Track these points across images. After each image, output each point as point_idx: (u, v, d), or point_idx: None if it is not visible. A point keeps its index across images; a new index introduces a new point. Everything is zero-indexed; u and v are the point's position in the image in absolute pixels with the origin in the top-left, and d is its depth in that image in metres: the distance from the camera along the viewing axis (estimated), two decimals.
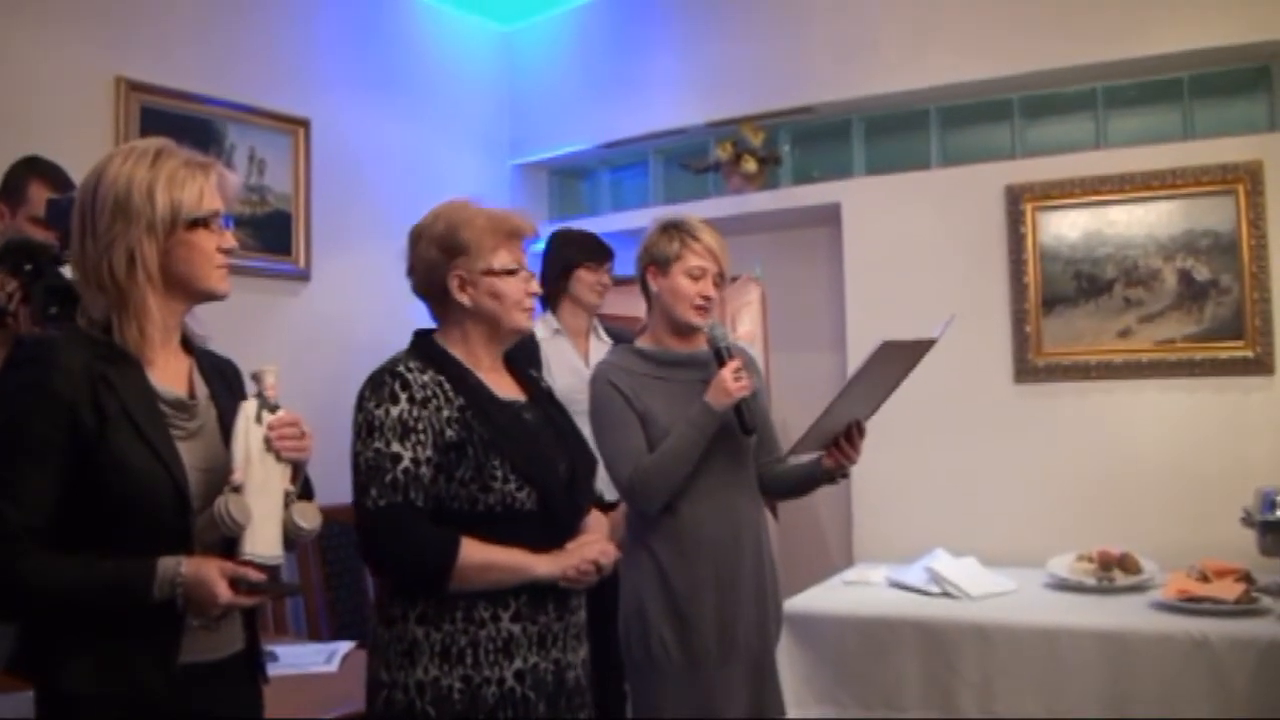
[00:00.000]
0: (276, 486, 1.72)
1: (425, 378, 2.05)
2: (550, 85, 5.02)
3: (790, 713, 3.06)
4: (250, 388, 1.79)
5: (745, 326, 4.20)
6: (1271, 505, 2.90)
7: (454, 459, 2.00)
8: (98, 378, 1.63)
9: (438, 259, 2.13)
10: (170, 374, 1.76)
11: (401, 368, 2.05)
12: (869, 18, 4.18)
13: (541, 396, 2.26)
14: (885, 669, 3.02)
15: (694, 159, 4.67)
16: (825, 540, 4.28)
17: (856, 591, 3.42)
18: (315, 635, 3.78)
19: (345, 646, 2.93)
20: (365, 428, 2.01)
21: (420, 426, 2.00)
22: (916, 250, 4.03)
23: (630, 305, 3.94)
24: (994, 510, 3.80)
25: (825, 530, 4.28)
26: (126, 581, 1.58)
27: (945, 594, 3.21)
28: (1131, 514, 3.55)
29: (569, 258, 3.65)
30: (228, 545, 1.66)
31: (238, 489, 1.65)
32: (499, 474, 2.01)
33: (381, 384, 2.03)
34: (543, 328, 3.60)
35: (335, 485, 3.69)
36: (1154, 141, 3.78)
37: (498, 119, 5.09)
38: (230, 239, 1.79)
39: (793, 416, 4.26)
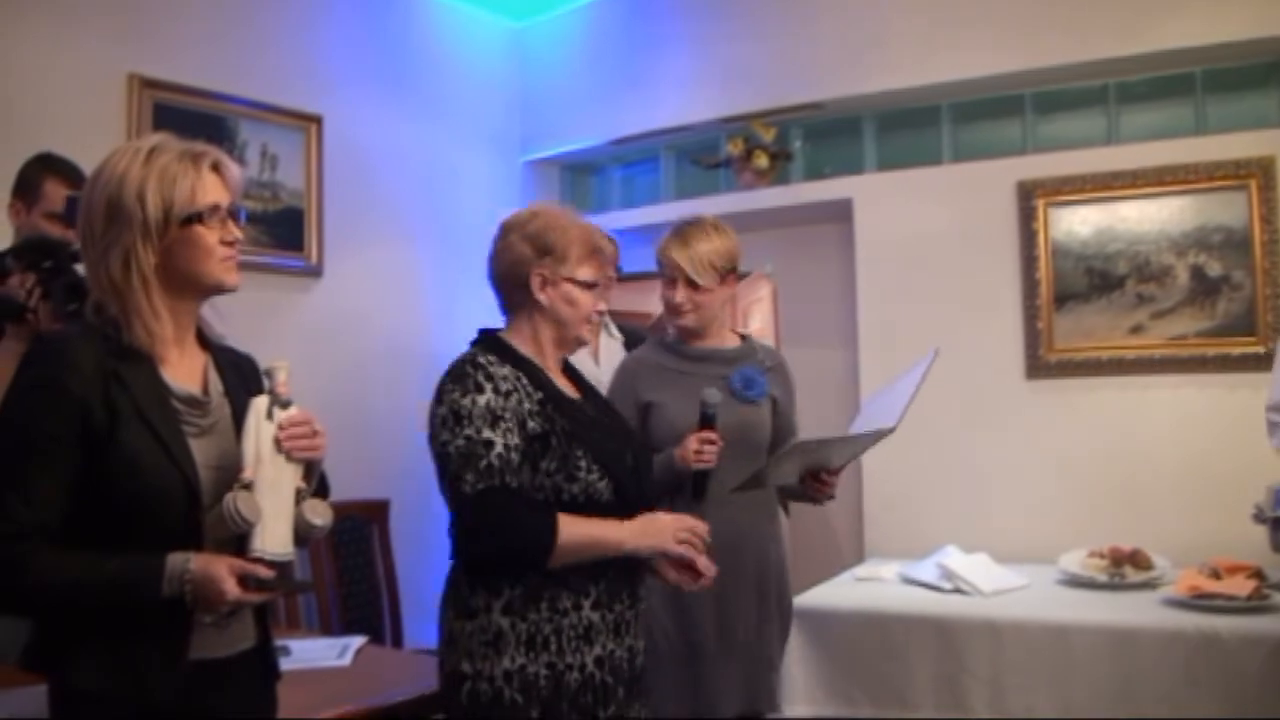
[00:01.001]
0: (287, 484, 1.72)
1: (504, 370, 2.11)
2: (561, 81, 5.03)
3: (801, 709, 3.07)
4: (263, 384, 1.79)
5: (756, 322, 4.20)
6: None
7: (538, 449, 2.05)
8: (110, 375, 1.63)
9: (527, 254, 2.19)
10: (184, 370, 1.75)
11: (481, 360, 2.11)
12: (880, 14, 4.18)
13: (595, 396, 2.34)
14: (896, 665, 3.02)
15: (705, 155, 4.67)
16: (837, 536, 4.29)
17: (868, 587, 3.42)
18: (327, 630, 3.80)
19: (357, 641, 2.93)
20: (452, 417, 2.04)
21: (507, 415, 2.05)
22: (928, 246, 4.02)
23: (644, 301, 3.96)
24: (1006, 506, 3.79)
25: (837, 526, 4.29)
26: (136, 578, 1.59)
27: (957, 590, 3.21)
28: (1143, 510, 3.54)
29: None
30: (239, 542, 1.66)
31: (248, 486, 1.65)
32: (583, 464, 2.08)
33: (465, 375, 2.08)
34: None
35: (348, 481, 3.71)
36: (1166, 137, 3.76)
37: (509, 115, 5.09)
38: (234, 230, 1.76)
39: (804, 414, 4.27)
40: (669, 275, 2.88)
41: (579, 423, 2.13)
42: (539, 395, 2.10)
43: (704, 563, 2.10)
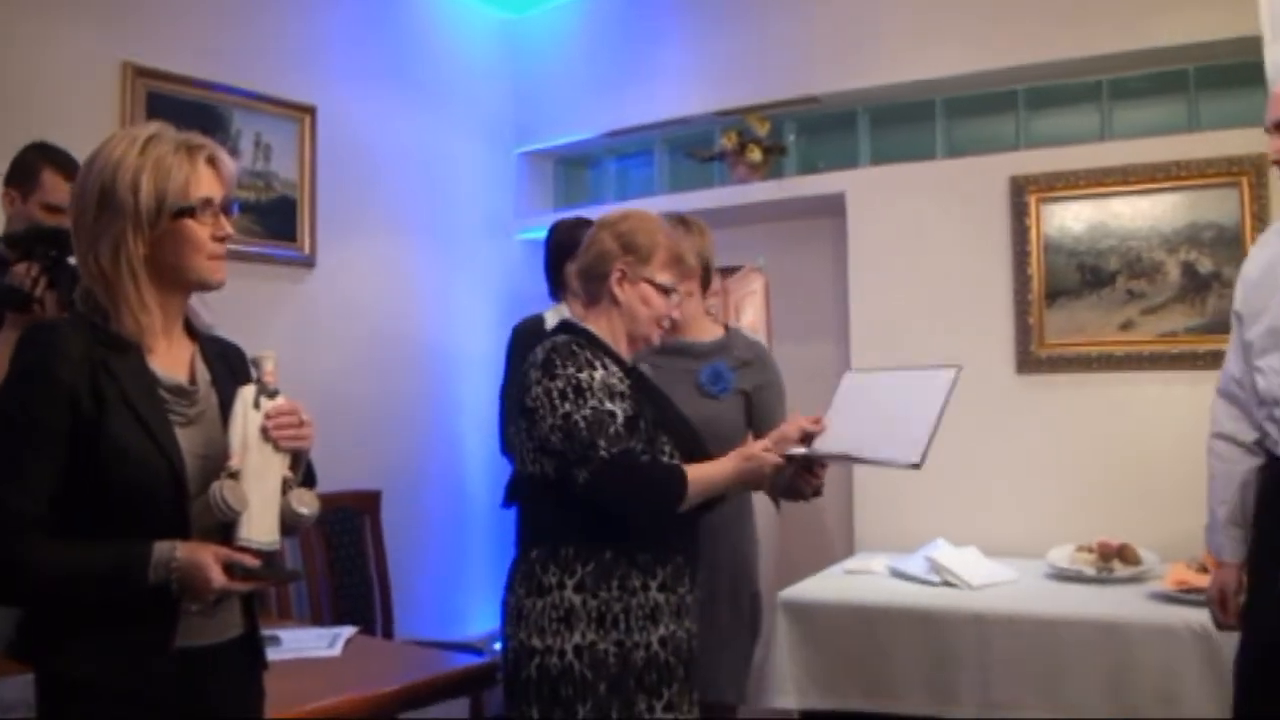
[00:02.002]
0: (274, 473, 1.72)
1: (602, 355, 2.25)
2: (556, 74, 5.02)
3: (791, 700, 3.09)
4: (250, 373, 1.79)
5: (748, 316, 4.20)
6: None
7: (629, 429, 2.17)
8: (98, 364, 1.63)
9: (612, 249, 2.32)
10: (171, 360, 1.75)
11: (581, 342, 2.24)
12: (874, 8, 4.18)
13: (654, 389, 2.46)
14: (885, 657, 3.03)
15: (699, 148, 4.68)
16: (827, 529, 4.30)
17: (858, 581, 3.43)
18: (318, 619, 3.81)
19: (348, 631, 2.94)
20: (573, 390, 2.15)
21: (617, 392, 2.19)
22: (920, 241, 4.03)
23: None
24: (995, 501, 3.80)
25: (827, 519, 4.30)
26: (122, 566, 1.59)
27: (946, 583, 3.22)
28: (1132, 505, 3.55)
29: (561, 250, 3.68)
30: (225, 531, 1.66)
31: (234, 475, 1.65)
32: (666, 449, 2.23)
33: (573, 353, 2.20)
34: (553, 316, 3.62)
35: (340, 471, 3.74)
36: (1158, 134, 3.77)
37: (503, 107, 5.09)
38: (226, 226, 1.76)
39: (794, 406, 4.28)
40: None
41: (661, 410, 2.31)
42: (628, 381, 2.24)
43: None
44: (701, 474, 2.18)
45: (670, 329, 2.90)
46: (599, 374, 2.17)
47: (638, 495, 2.15)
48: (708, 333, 3.06)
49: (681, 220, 3.02)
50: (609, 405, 2.14)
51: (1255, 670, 2.23)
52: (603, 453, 2.10)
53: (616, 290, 2.30)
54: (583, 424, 2.12)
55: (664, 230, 2.37)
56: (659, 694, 2.18)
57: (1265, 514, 2.27)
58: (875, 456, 2.27)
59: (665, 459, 2.22)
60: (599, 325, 2.32)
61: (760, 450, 2.23)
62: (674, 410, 2.43)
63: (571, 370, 2.16)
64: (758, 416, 2.99)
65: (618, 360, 2.28)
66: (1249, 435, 2.33)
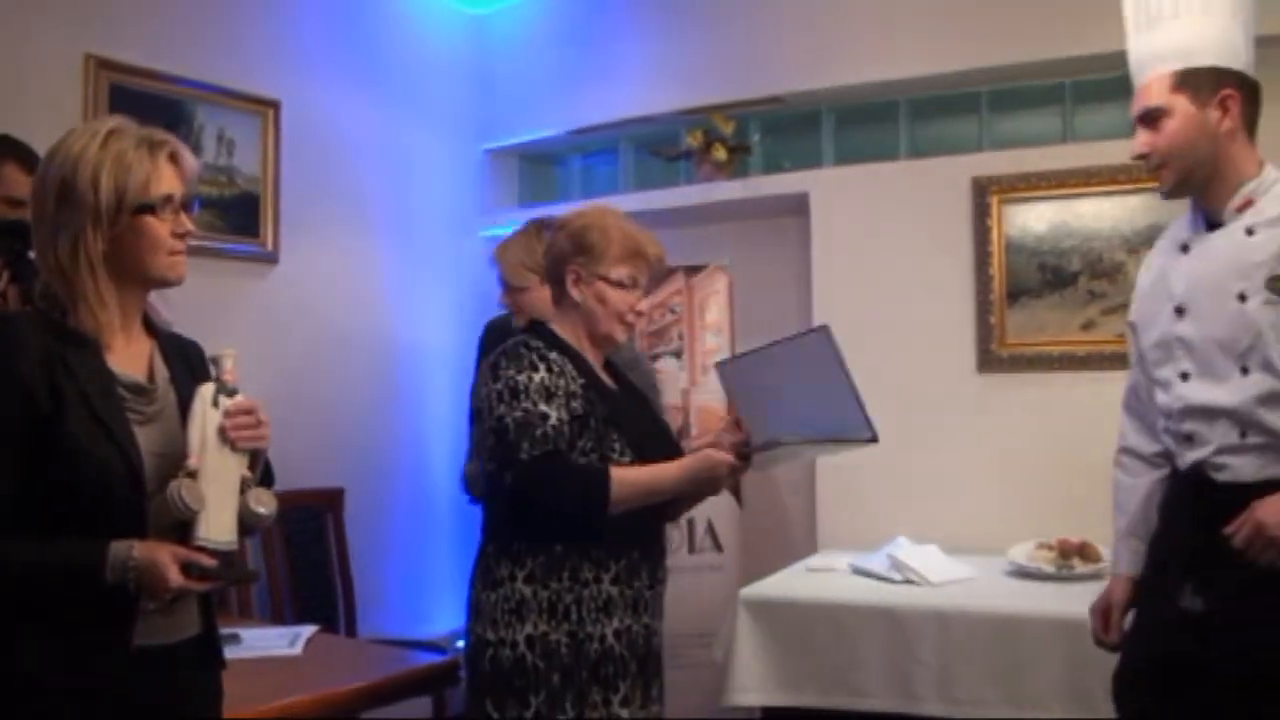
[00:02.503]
0: (232, 472, 1.71)
1: (553, 355, 2.24)
2: (522, 70, 5.01)
3: (753, 698, 3.10)
4: (209, 371, 1.78)
5: (713, 315, 4.22)
6: None
7: (577, 429, 2.19)
8: (56, 360, 1.61)
9: (566, 250, 2.33)
10: (129, 358, 1.74)
11: (533, 343, 2.25)
12: (839, 9, 4.20)
13: (632, 391, 2.46)
14: (847, 655, 3.05)
15: (665, 147, 4.68)
16: (790, 527, 4.31)
17: (820, 578, 3.44)
18: (279, 619, 3.78)
19: (309, 630, 2.92)
20: (509, 392, 2.17)
21: (559, 393, 2.18)
22: (883, 240, 4.05)
23: None
24: (956, 498, 3.83)
25: (789, 517, 4.31)
26: (79, 565, 1.58)
27: (907, 581, 3.24)
28: (1091, 503, 3.56)
29: None
30: (183, 530, 1.65)
31: (192, 474, 1.64)
32: (617, 447, 2.22)
33: (520, 355, 2.22)
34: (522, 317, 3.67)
35: (302, 469, 3.73)
36: (1120, 136, 3.76)
37: (469, 103, 5.07)
38: (186, 223, 1.75)
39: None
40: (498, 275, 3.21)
41: (616, 409, 2.27)
42: (581, 381, 2.23)
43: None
44: (634, 475, 2.18)
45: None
46: (539, 375, 2.18)
47: (559, 498, 2.14)
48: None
49: (544, 224, 3.13)
50: (542, 407, 2.15)
51: (1131, 686, 2.16)
52: (523, 455, 2.12)
53: (573, 292, 2.32)
54: (511, 426, 2.14)
55: (619, 225, 2.35)
56: (614, 687, 2.19)
57: (1162, 526, 2.21)
58: (832, 433, 2.33)
59: (615, 458, 2.21)
60: (563, 326, 2.34)
61: (711, 452, 2.24)
62: (640, 410, 2.43)
63: (511, 372, 2.18)
64: None
65: (577, 360, 2.27)
66: (1151, 447, 2.25)
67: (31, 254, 1.91)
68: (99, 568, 1.57)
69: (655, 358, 4.23)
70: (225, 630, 2.63)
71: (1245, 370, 1.98)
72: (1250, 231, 2.01)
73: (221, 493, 1.68)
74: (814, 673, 3.08)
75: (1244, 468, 1.99)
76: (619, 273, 2.31)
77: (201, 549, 1.64)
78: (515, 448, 2.12)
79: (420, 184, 4.80)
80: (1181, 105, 2.04)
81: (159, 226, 1.70)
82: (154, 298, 1.82)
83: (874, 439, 2.33)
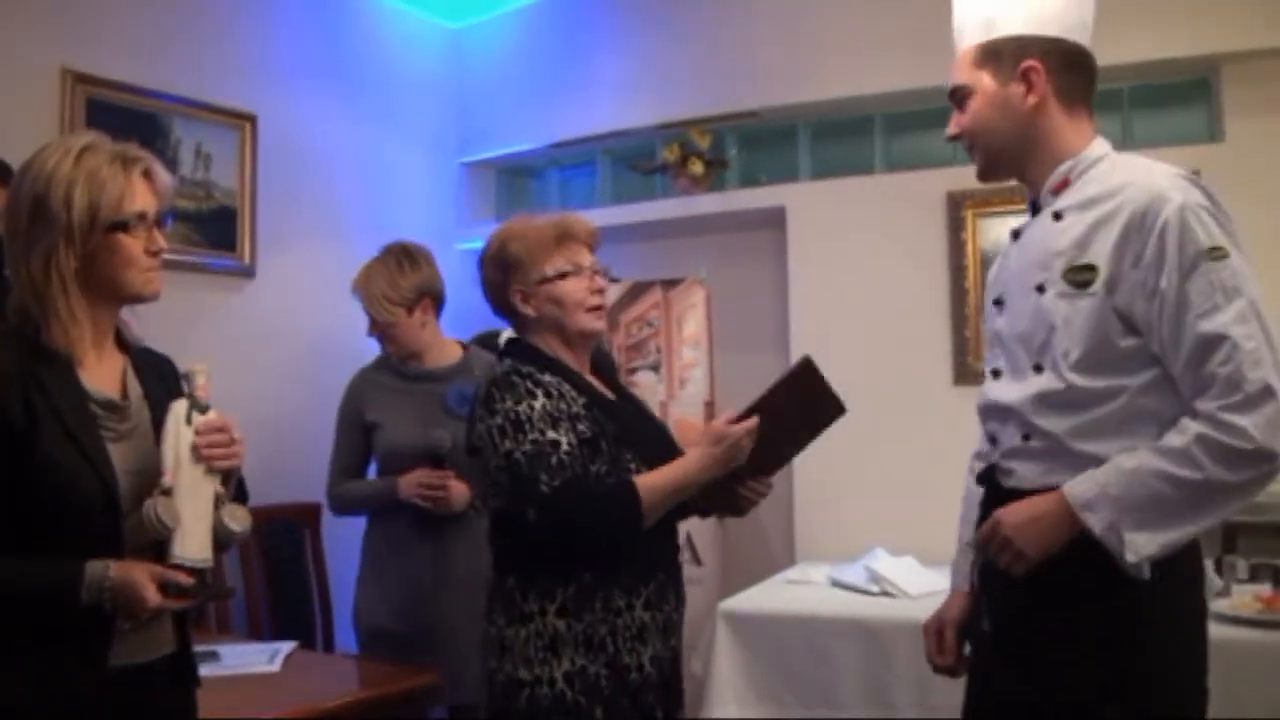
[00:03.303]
0: (206, 489, 1.71)
1: (547, 378, 2.11)
2: (499, 84, 5.02)
3: (731, 710, 3.10)
4: (182, 387, 1.77)
5: (690, 328, 4.23)
6: None
7: (589, 453, 2.07)
8: (30, 378, 1.61)
9: (498, 278, 2.22)
10: (102, 374, 1.74)
11: (524, 369, 2.11)
12: (815, 24, 4.22)
13: (629, 397, 2.37)
14: (825, 667, 3.05)
15: (641, 160, 4.70)
16: (768, 539, 4.32)
17: (798, 590, 3.45)
18: (257, 635, 3.76)
19: (287, 646, 2.91)
20: (511, 425, 2.04)
21: (563, 418, 2.06)
22: (859, 254, 4.07)
23: None
24: (933, 511, 3.81)
25: (767, 530, 4.32)
26: (54, 585, 1.57)
27: (885, 593, 3.25)
28: None
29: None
30: (158, 548, 1.65)
31: (167, 491, 1.64)
32: (632, 466, 2.11)
33: (513, 384, 2.08)
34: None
35: (280, 484, 3.71)
36: None
37: (446, 117, 5.07)
38: (159, 240, 1.74)
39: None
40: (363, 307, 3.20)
41: (624, 425, 2.16)
42: (583, 400, 2.11)
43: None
44: (659, 479, 2.06)
45: (409, 355, 3.21)
46: (539, 403, 2.05)
47: (590, 523, 2.03)
48: (447, 355, 3.28)
49: (405, 253, 3.20)
50: (551, 434, 2.02)
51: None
52: (543, 487, 1.99)
53: (527, 310, 2.20)
54: (523, 461, 2.01)
55: (532, 223, 2.23)
56: (653, 716, 2.12)
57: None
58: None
59: (631, 476, 2.09)
60: (540, 343, 2.22)
61: (723, 425, 2.08)
62: (644, 421, 2.33)
63: (509, 404, 2.05)
64: None
65: (570, 376, 2.16)
66: None
67: (4, 270, 1.91)
68: (75, 589, 1.57)
69: (633, 371, 4.24)
70: (204, 647, 2.63)
71: (1039, 368, 1.81)
72: (1058, 216, 1.82)
73: (196, 510, 1.68)
74: (792, 685, 3.09)
75: (1026, 473, 1.84)
76: (556, 265, 2.18)
77: (178, 567, 1.64)
78: (533, 481, 2.00)
79: (397, 197, 4.80)
80: (983, 82, 1.87)
81: (132, 244, 1.70)
82: (125, 313, 1.81)
83: (843, 410, 2.23)
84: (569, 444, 2.03)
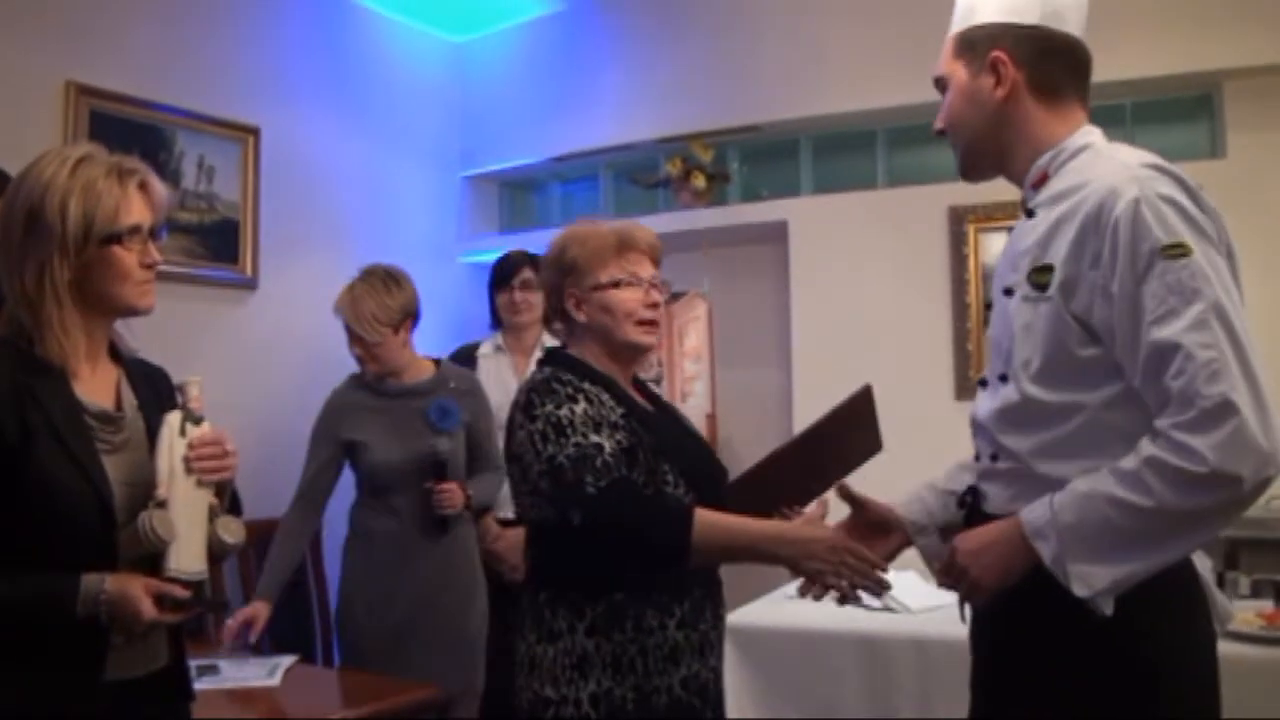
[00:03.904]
0: (201, 501, 1.71)
1: (587, 385, 2.05)
2: (501, 98, 5.03)
3: None
4: (176, 399, 1.77)
5: (692, 341, 4.23)
6: None
7: (626, 463, 1.98)
8: (24, 390, 1.60)
9: (555, 281, 2.16)
10: (96, 386, 1.73)
11: (564, 376, 2.05)
12: (818, 39, 4.23)
13: (668, 409, 2.31)
14: (826, 682, 3.04)
15: (644, 174, 4.70)
16: None
17: (799, 605, 3.41)
18: (257, 649, 3.74)
19: (287, 660, 2.90)
20: (553, 430, 1.96)
21: (604, 424, 1.99)
22: (861, 269, 4.08)
23: None
24: None
25: None
26: (50, 598, 1.56)
27: (886, 608, 3.24)
28: None
29: (489, 282, 3.93)
30: (152, 559, 1.64)
31: (162, 504, 1.64)
32: (670, 478, 2.02)
33: (553, 390, 2.01)
34: (487, 345, 3.90)
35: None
36: None
37: (449, 130, 5.08)
38: (154, 253, 1.73)
39: (737, 431, 4.31)
40: (346, 328, 3.27)
41: (662, 436, 2.08)
42: (621, 410, 2.05)
43: (846, 587, 1.92)
44: (722, 521, 1.91)
45: (386, 373, 3.30)
46: (580, 407, 1.98)
47: (638, 527, 1.91)
48: (422, 371, 3.39)
49: (389, 274, 3.30)
50: (594, 438, 1.94)
51: None
52: (589, 489, 1.89)
53: (578, 316, 2.13)
54: (567, 464, 1.92)
55: (596, 229, 2.17)
56: None
57: None
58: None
59: (669, 490, 2.02)
60: (584, 353, 2.16)
61: (836, 541, 1.91)
62: (684, 435, 2.26)
63: (550, 408, 1.98)
64: (473, 443, 3.36)
65: (610, 386, 2.10)
66: None
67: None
68: (71, 601, 1.56)
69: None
70: (204, 661, 2.63)
71: (1004, 378, 1.69)
72: (1031, 213, 1.71)
73: (191, 522, 1.67)
74: (795, 700, 3.07)
75: (996, 496, 1.73)
76: (612, 273, 2.11)
77: (173, 580, 1.63)
78: (578, 484, 1.90)
79: (400, 210, 4.80)
80: (958, 74, 1.80)
81: (126, 256, 1.69)
82: (118, 324, 1.80)
83: (880, 447, 2.21)
84: (613, 447, 1.95)
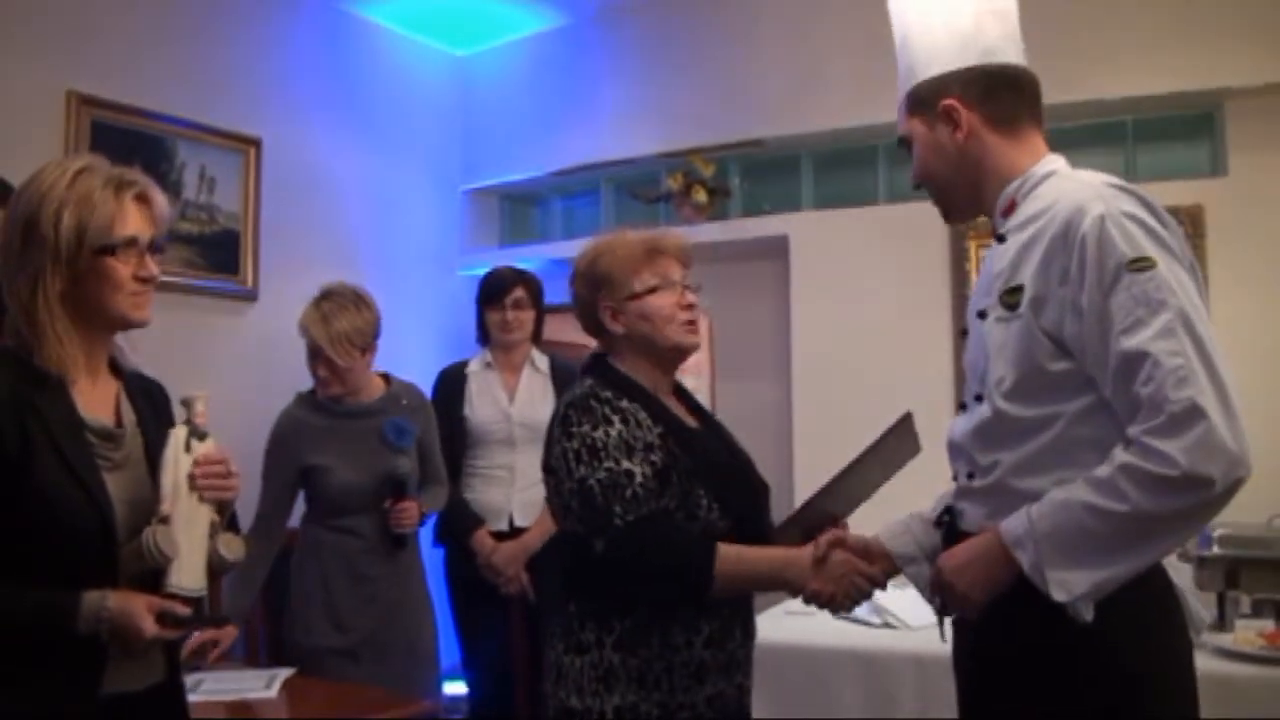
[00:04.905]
0: (203, 518, 1.70)
1: (624, 404, 2.03)
2: (503, 111, 5.04)
3: None
4: (179, 414, 1.76)
5: (692, 356, 4.21)
6: (1208, 540, 2.90)
7: (659, 485, 1.98)
8: (25, 404, 1.60)
9: (588, 295, 2.15)
10: (96, 400, 1.73)
11: (603, 394, 2.04)
12: (819, 54, 4.24)
13: (713, 424, 2.29)
14: (826, 699, 3.03)
15: (645, 188, 4.70)
16: None
17: (799, 622, 3.42)
18: (254, 662, 3.74)
19: (285, 672, 2.90)
20: (587, 451, 1.96)
21: (638, 446, 1.98)
22: (863, 284, 4.07)
23: (579, 332, 3.97)
24: None
25: None
26: (51, 614, 1.56)
27: (886, 624, 3.23)
28: None
29: (478, 299, 3.90)
30: (152, 576, 1.64)
31: (165, 520, 1.63)
32: (704, 502, 2.01)
33: (590, 408, 2.01)
34: (476, 362, 3.89)
35: None
36: None
37: (450, 144, 5.09)
38: (150, 266, 1.72)
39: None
40: (311, 348, 3.21)
41: (699, 458, 2.06)
42: (659, 429, 2.03)
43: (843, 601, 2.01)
44: (745, 555, 1.96)
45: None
46: (615, 429, 1.97)
47: (656, 570, 1.94)
48: (375, 389, 3.36)
49: (357, 295, 3.25)
50: (626, 464, 1.94)
51: None
52: (618, 520, 1.90)
53: (615, 327, 2.12)
54: (597, 489, 1.93)
55: (624, 239, 2.17)
56: None
57: None
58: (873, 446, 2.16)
59: (701, 514, 2.01)
60: (625, 364, 2.14)
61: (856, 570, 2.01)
62: (724, 454, 2.22)
63: (586, 428, 1.97)
64: (423, 458, 3.36)
65: (650, 403, 2.08)
66: None
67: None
68: (72, 619, 1.55)
69: None
70: (201, 673, 2.62)
71: (979, 398, 1.76)
72: (1001, 238, 1.77)
73: (193, 539, 1.67)
74: (794, 716, 3.07)
75: (973, 515, 1.79)
76: (645, 280, 2.11)
77: (174, 596, 1.63)
78: (607, 513, 1.91)
79: (401, 223, 4.81)
80: (918, 130, 1.87)
81: (119, 268, 1.68)
82: (119, 337, 1.80)
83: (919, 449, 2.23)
84: (644, 475, 1.96)
